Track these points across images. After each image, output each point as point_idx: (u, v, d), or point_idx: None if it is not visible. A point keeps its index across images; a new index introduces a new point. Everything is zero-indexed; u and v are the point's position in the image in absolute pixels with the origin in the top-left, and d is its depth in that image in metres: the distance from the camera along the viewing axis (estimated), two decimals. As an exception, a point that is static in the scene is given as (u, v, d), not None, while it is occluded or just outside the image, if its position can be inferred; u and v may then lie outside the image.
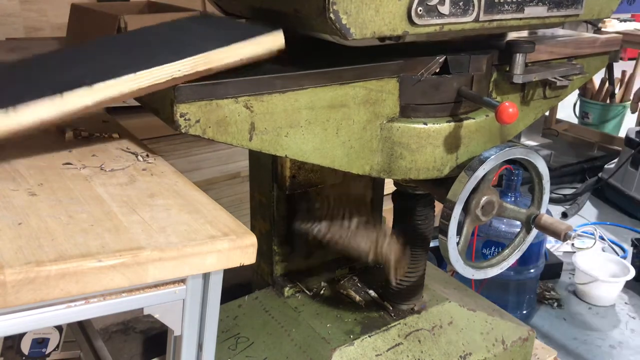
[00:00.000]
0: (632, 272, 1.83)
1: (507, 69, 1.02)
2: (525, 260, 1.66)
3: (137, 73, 0.72)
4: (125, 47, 0.85)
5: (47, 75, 0.76)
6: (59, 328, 1.16)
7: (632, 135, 2.49)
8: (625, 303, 1.90)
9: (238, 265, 0.63)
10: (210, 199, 0.70)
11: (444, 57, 0.94)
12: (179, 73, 0.73)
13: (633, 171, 2.46)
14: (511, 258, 1.07)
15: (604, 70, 3.12)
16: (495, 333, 1.26)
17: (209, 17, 0.95)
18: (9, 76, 0.78)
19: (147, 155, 0.80)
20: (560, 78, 1.07)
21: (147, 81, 0.73)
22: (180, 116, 0.74)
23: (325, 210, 1.21)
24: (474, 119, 0.95)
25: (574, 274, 1.94)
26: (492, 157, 0.90)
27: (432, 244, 1.26)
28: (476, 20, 0.89)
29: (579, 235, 2.24)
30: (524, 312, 1.76)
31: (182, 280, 0.63)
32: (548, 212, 1.05)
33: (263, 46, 0.80)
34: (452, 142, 0.94)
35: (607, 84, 3.21)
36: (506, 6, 0.92)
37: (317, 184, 1.28)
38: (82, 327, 1.20)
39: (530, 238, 1.06)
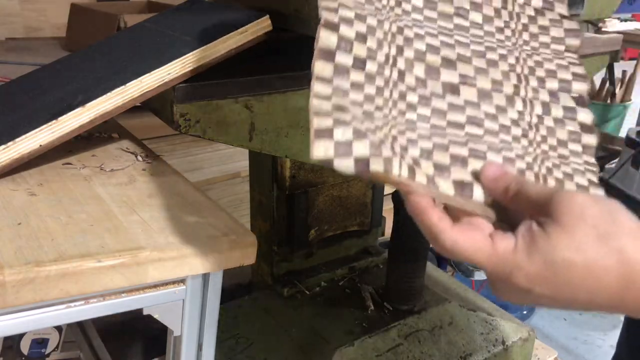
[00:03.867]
0: (633, 273, 1.83)
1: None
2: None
3: (127, 85, 0.73)
4: (112, 54, 0.85)
5: (40, 98, 0.77)
6: (58, 328, 1.16)
7: (633, 136, 2.48)
8: (626, 303, 1.90)
9: (238, 265, 0.63)
10: (210, 199, 0.70)
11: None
12: (169, 76, 0.74)
13: (634, 171, 2.45)
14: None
15: (604, 70, 3.12)
16: (496, 333, 1.26)
17: (196, 5, 0.95)
18: (4, 103, 0.79)
19: (147, 155, 0.80)
20: (561, 78, 1.07)
21: (138, 91, 0.74)
22: (180, 116, 0.73)
23: None
24: (474, 119, 0.95)
25: (574, 274, 1.94)
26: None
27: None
28: (476, 20, 0.89)
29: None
30: (524, 312, 1.76)
31: (182, 281, 0.63)
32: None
33: (250, 34, 0.81)
34: (453, 142, 0.93)
35: (607, 84, 3.21)
36: (507, 6, 0.92)
37: (317, 184, 1.28)
38: (81, 328, 1.20)
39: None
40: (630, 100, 3.24)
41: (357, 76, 0.47)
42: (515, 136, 0.51)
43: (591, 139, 0.52)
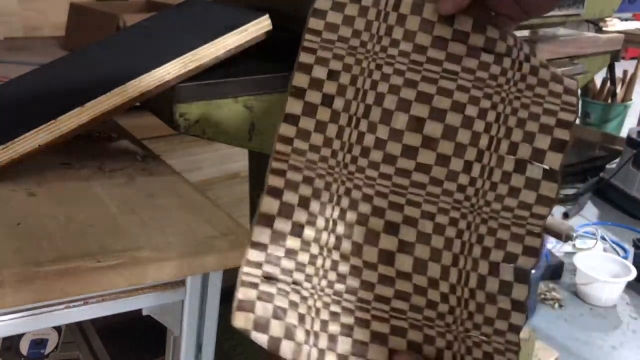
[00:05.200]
0: (634, 273, 1.83)
1: (508, 68, 1.02)
2: (526, 261, 1.66)
3: (126, 84, 0.73)
4: (112, 54, 0.85)
5: (39, 97, 0.77)
6: (57, 329, 1.16)
7: (634, 135, 2.48)
8: (627, 304, 1.90)
9: (238, 265, 0.63)
10: (210, 199, 0.70)
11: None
12: (169, 76, 0.74)
13: (634, 171, 2.45)
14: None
15: (605, 69, 3.12)
16: (496, 334, 1.25)
17: (196, 4, 0.94)
18: (3, 103, 0.79)
19: (146, 155, 0.80)
20: (562, 78, 1.07)
21: (137, 91, 0.73)
22: (180, 116, 0.73)
23: None
24: (475, 118, 0.95)
25: (575, 275, 1.94)
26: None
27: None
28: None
29: (580, 235, 2.24)
30: (525, 312, 1.76)
31: (182, 281, 0.62)
32: (549, 212, 1.05)
33: (250, 33, 0.81)
34: (453, 142, 0.93)
35: (608, 84, 3.21)
36: (507, 5, 0.92)
37: (317, 184, 1.27)
38: (80, 328, 1.20)
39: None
40: (631, 99, 3.24)
41: (292, 243, 0.48)
42: (440, 313, 0.50)
43: (519, 319, 0.50)
